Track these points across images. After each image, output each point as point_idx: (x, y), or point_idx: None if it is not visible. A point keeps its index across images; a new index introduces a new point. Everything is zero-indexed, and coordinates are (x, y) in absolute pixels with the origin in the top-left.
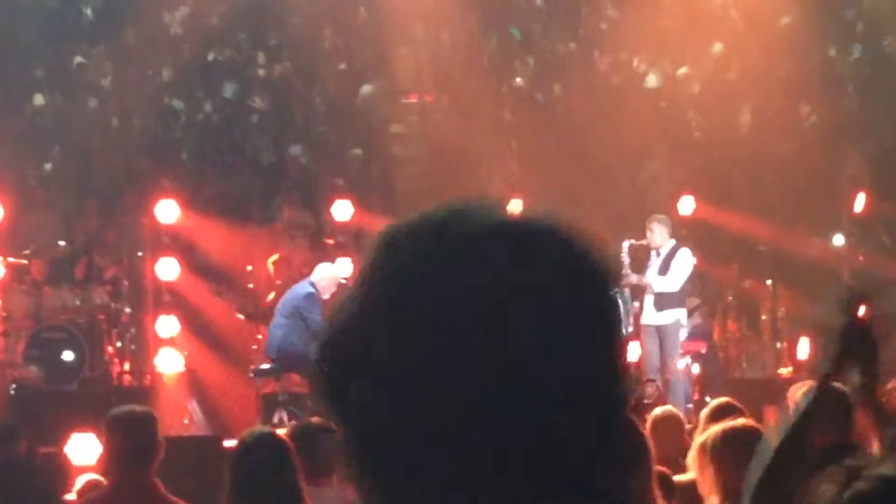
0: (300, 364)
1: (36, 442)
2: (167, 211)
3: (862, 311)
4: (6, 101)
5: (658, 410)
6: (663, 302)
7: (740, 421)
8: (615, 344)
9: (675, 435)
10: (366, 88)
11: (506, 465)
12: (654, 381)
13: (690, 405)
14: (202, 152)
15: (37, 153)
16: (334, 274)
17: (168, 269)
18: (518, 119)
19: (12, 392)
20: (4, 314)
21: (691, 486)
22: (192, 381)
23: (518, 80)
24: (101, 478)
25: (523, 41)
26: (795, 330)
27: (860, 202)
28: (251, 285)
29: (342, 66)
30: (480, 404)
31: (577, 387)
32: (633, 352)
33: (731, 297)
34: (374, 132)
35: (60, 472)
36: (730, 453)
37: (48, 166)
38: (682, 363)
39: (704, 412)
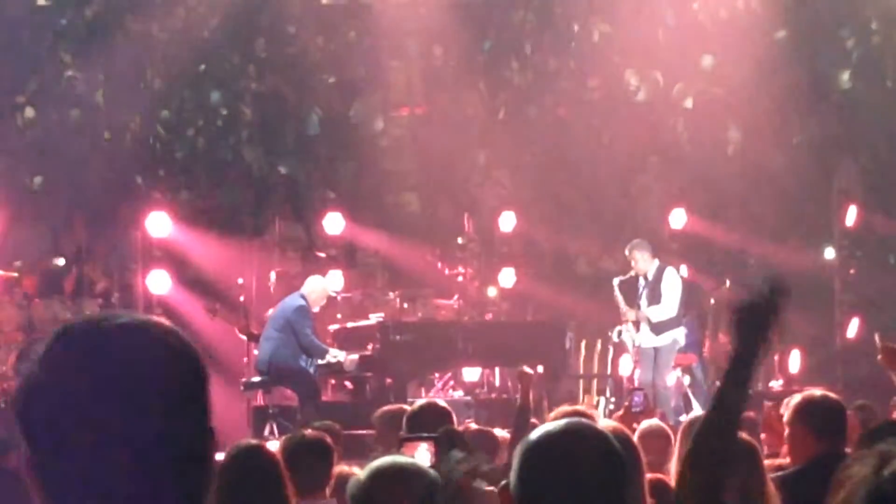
0: (290, 377)
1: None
2: (158, 224)
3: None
4: None
5: (645, 424)
6: (661, 326)
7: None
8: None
9: (662, 447)
10: (357, 106)
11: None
12: (642, 390)
13: (683, 417)
14: (193, 165)
15: (27, 166)
16: (324, 286)
17: (159, 282)
18: (509, 132)
19: (2, 405)
20: None
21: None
22: None
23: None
24: None
25: (515, 55)
26: (786, 343)
27: (851, 215)
28: (242, 298)
29: (333, 79)
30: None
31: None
32: (626, 366)
33: (721, 310)
34: (366, 145)
35: None
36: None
37: (38, 179)
38: (672, 376)
39: (682, 427)
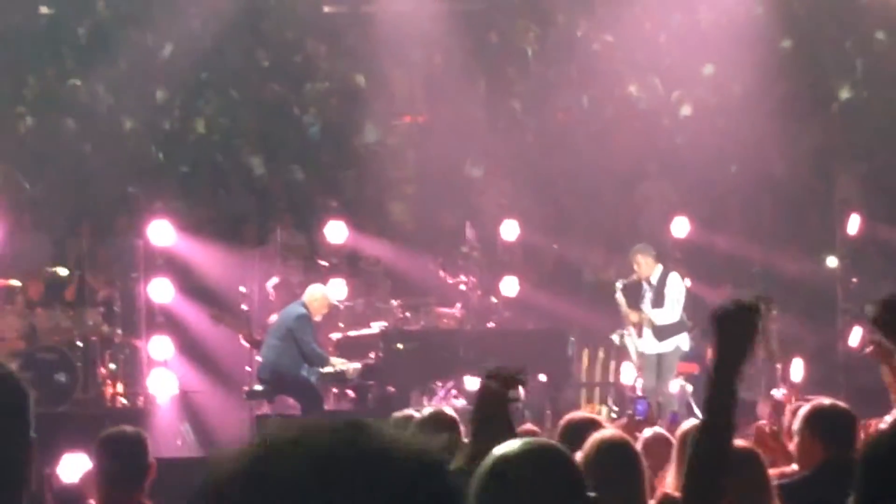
0: (292, 386)
1: (39, 464)
2: (160, 232)
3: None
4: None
5: (648, 432)
6: (664, 332)
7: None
8: None
9: (665, 455)
10: (359, 114)
11: None
12: (645, 398)
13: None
14: (195, 174)
15: (29, 175)
16: (325, 295)
17: (161, 290)
18: (510, 141)
19: None
20: None
21: None
22: (186, 402)
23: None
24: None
25: (517, 64)
26: (789, 352)
27: (854, 224)
28: (245, 307)
29: (335, 87)
30: None
31: None
32: (629, 374)
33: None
34: (368, 154)
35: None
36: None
37: (40, 187)
38: (675, 385)
39: (679, 434)
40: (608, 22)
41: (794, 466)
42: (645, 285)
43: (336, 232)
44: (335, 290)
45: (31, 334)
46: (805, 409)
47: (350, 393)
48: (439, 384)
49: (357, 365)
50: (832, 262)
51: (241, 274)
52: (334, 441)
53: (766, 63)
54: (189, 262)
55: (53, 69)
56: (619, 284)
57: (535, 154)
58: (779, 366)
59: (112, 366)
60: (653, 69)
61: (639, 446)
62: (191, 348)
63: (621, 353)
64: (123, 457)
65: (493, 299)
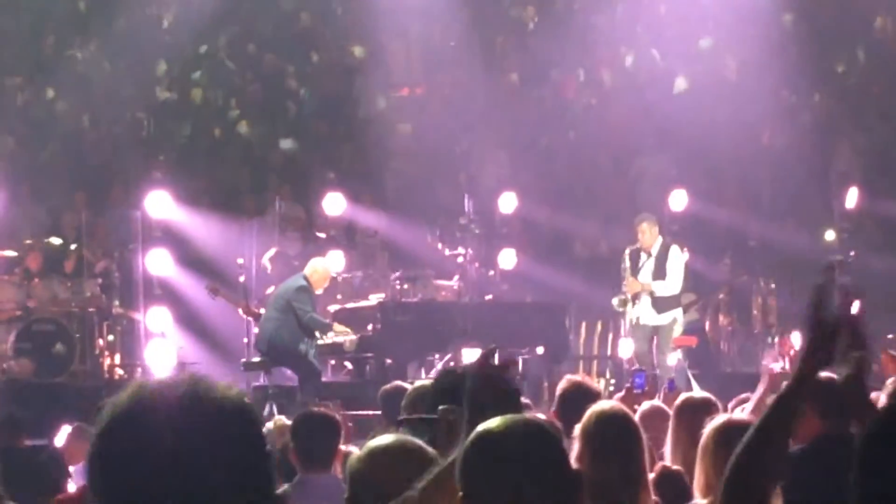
0: (290, 358)
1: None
2: (158, 204)
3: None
4: None
5: (646, 405)
6: (662, 304)
7: (725, 417)
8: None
9: (663, 427)
10: (357, 85)
11: None
12: (643, 371)
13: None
14: (193, 145)
15: (27, 146)
16: (327, 268)
17: (159, 262)
18: (509, 113)
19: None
20: None
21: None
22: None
23: (511, 75)
24: None
25: (515, 36)
26: (787, 324)
27: (852, 198)
28: (242, 278)
29: (334, 58)
30: None
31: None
32: (626, 347)
33: (722, 293)
34: (366, 125)
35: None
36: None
37: (38, 158)
38: (673, 357)
39: (676, 406)
40: None
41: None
42: (644, 255)
43: (334, 204)
44: (333, 262)
45: (29, 305)
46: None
47: (348, 365)
48: (437, 356)
49: (354, 337)
50: (830, 235)
51: (238, 245)
52: (186, 389)
53: (766, 37)
54: (187, 233)
55: (52, 39)
56: (627, 251)
57: (534, 126)
58: (776, 339)
59: (110, 337)
60: (652, 42)
61: (636, 419)
62: (188, 320)
63: (619, 326)
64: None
65: (491, 272)
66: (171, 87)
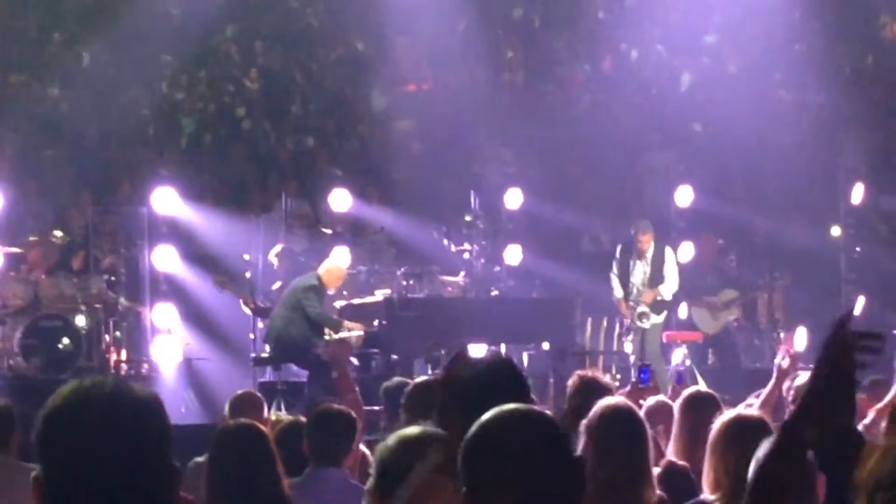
0: (298, 355)
1: None
2: (164, 200)
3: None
4: (4, 91)
5: (651, 400)
6: (662, 305)
7: (734, 412)
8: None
9: (668, 422)
10: (363, 82)
11: None
12: (649, 366)
13: None
14: (200, 141)
15: (35, 142)
16: (341, 268)
17: (165, 258)
18: (515, 110)
19: (6, 381)
20: (0, 303)
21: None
22: (189, 369)
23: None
24: None
25: (522, 32)
26: (793, 320)
27: (858, 193)
28: (248, 274)
29: (340, 55)
30: None
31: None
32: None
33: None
34: (373, 122)
35: None
36: (734, 447)
37: (47, 154)
38: (678, 353)
39: (681, 402)
40: None
41: None
42: (638, 262)
43: (340, 200)
44: (339, 258)
45: (35, 301)
46: (803, 376)
47: (354, 361)
48: (443, 352)
49: (360, 332)
50: (836, 231)
51: (244, 242)
52: (111, 389)
53: (773, 31)
54: (193, 229)
55: (59, 36)
56: (621, 244)
57: (540, 122)
58: (782, 335)
59: (116, 333)
60: (658, 38)
61: (641, 414)
62: (194, 316)
63: (625, 329)
64: None
65: (497, 268)
66: (177, 84)
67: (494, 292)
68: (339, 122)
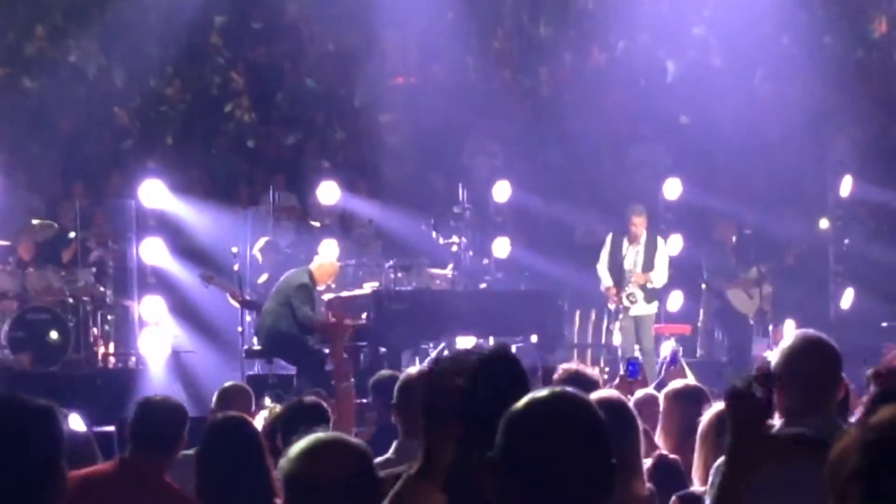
0: (286, 349)
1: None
2: (152, 193)
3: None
4: None
5: (640, 392)
6: (652, 294)
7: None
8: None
9: (656, 415)
10: (352, 75)
11: None
12: (637, 359)
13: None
14: (188, 134)
15: (23, 135)
16: (334, 264)
17: (153, 250)
18: (503, 102)
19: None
20: None
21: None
22: (178, 362)
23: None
24: None
25: (511, 25)
26: (781, 313)
27: (846, 186)
28: (236, 267)
29: (328, 48)
30: None
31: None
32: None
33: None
34: (360, 115)
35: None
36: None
37: (34, 147)
38: (667, 345)
39: (667, 394)
40: None
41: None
42: (628, 244)
43: (328, 193)
44: (330, 253)
45: (23, 294)
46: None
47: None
48: (431, 345)
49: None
50: (824, 223)
51: (232, 235)
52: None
53: (762, 24)
54: (181, 222)
55: (45, 28)
56: (610, 235)
57: (528, 115)
58: (771, 327)
59: (104, 326)
60: (644, 28)
61: (632, 404)
62: (182, 309)
63: (613, 314)
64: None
65: (485, 260)
66: (164, 77)
67: (482, 285)
68: (326, 114)
